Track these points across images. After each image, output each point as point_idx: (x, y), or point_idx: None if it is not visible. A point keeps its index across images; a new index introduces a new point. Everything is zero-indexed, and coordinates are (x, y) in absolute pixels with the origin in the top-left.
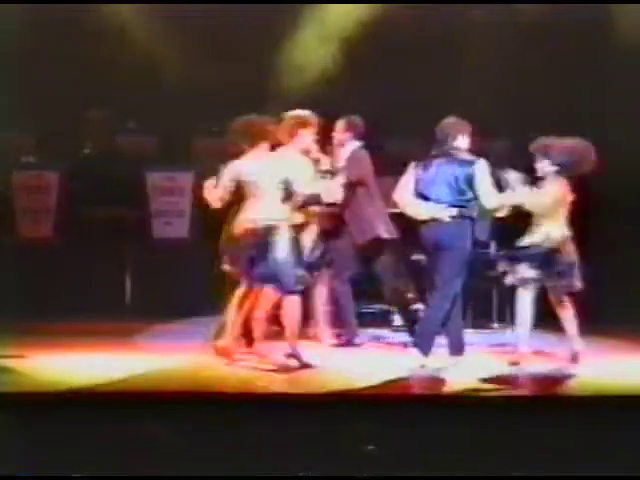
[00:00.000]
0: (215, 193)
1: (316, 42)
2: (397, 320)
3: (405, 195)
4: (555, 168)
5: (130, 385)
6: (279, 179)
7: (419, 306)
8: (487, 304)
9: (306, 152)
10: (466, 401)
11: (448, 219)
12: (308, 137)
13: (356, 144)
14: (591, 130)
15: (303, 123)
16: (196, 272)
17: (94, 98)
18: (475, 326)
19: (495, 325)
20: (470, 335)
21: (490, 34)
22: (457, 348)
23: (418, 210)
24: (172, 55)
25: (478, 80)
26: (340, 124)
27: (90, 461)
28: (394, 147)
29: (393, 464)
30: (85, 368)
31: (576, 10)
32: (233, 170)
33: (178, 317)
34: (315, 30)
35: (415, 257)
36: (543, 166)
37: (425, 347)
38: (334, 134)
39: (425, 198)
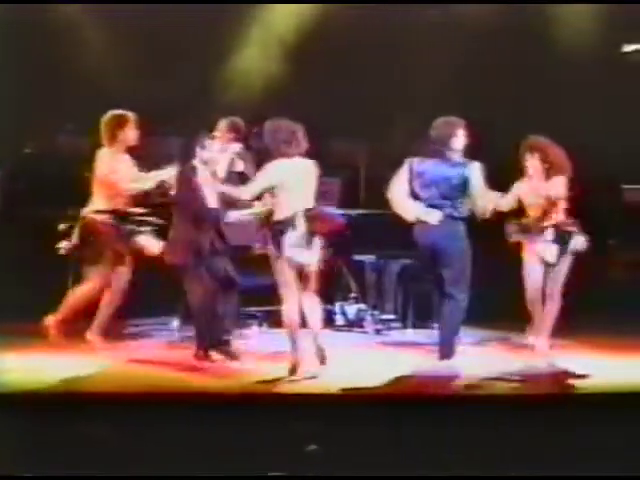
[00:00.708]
0: None
1: (259, 44)
2: (339, 320)
3: (397, 195)
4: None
5: (90, 384)
6: None
7: (361, 305)
8: None
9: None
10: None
11: (437, 222)
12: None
13: (238, 146)
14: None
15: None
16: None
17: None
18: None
19: None
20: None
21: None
22: (447, 352)
23: (407, 211)
24: (111, 57)
25: (428, 80)
26: (223, 125)
27: (58, 459)
28: (339, 149)
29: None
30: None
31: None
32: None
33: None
34: (258, 32)
35: (359, 258)
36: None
37: (450, 353)
38: (216, 134)
39: (418, 198)
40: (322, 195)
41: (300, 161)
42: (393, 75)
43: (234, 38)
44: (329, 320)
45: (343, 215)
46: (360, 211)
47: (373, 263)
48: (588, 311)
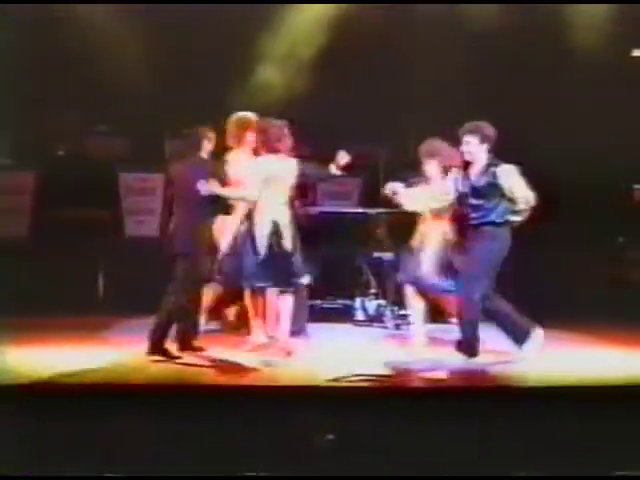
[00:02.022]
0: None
1: (283, 44)
2: (359, 315)
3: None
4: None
5: (98, 377)
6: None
7: (381, 301)
8: None
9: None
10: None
11: None
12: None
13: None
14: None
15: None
16: (167, 268)
17: (69, 101)
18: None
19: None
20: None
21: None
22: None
23: None
24: (144, 59)
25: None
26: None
27: (56, 452)
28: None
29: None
30: (57, 361)
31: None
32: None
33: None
34: (282, 32)
35: (378, 255)
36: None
37: (474, 350)
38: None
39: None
40: (342, 194)
41: (285, 159)
42: (415, 75)
43: (254, 42)
44: (350, 315)
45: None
46: (380, 209)
47: (391, 260)
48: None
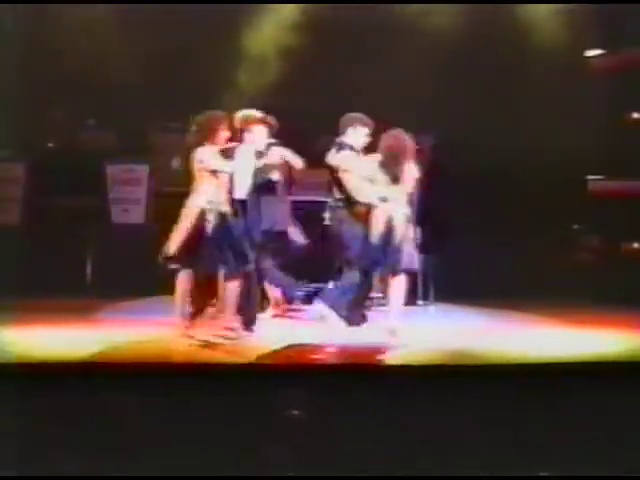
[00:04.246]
0: None
1: (270, 40)
2: None
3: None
4: None
5: (90, 356)
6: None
7: None
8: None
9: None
10: None
11: None
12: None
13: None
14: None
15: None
16: (150, 254)
17: (59, 95)
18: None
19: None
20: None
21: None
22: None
23: None
24: (130, 55)
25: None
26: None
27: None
28: None
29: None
30: (50, 341)
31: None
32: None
33: (134, 295)
34: (270, 28)
35: None
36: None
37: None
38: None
39: None
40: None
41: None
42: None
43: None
44: None
45: None
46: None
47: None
48: None
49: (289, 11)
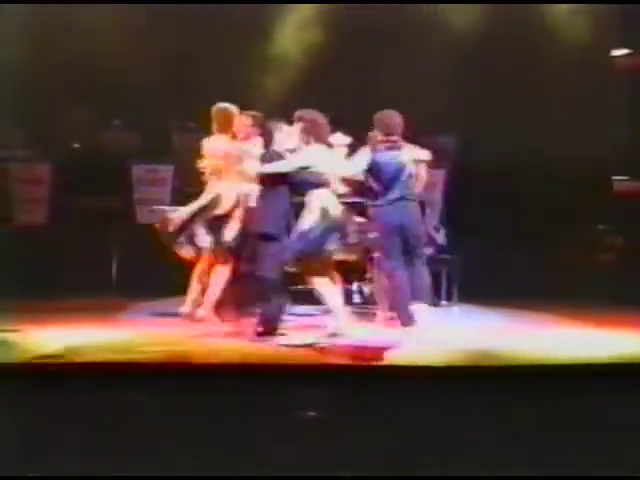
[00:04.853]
0: None
1: (291, 39)
2: (357, 298)
3: None
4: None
5: (114, 356)
6: None
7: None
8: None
9: None
10: None
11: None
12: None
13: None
14: None
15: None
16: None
17: (84, 96)
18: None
19: (443, 302)
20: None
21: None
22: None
23: None
24: (155, 55)
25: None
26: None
27: (72, 429)
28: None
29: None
30: (76, 340)
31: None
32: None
33: (159, 295)
34: (291, 28)
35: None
36: None
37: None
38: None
39: None
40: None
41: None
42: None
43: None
44: (348, 298)
45: None
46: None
47: None
48: None
49: (309, 11)
